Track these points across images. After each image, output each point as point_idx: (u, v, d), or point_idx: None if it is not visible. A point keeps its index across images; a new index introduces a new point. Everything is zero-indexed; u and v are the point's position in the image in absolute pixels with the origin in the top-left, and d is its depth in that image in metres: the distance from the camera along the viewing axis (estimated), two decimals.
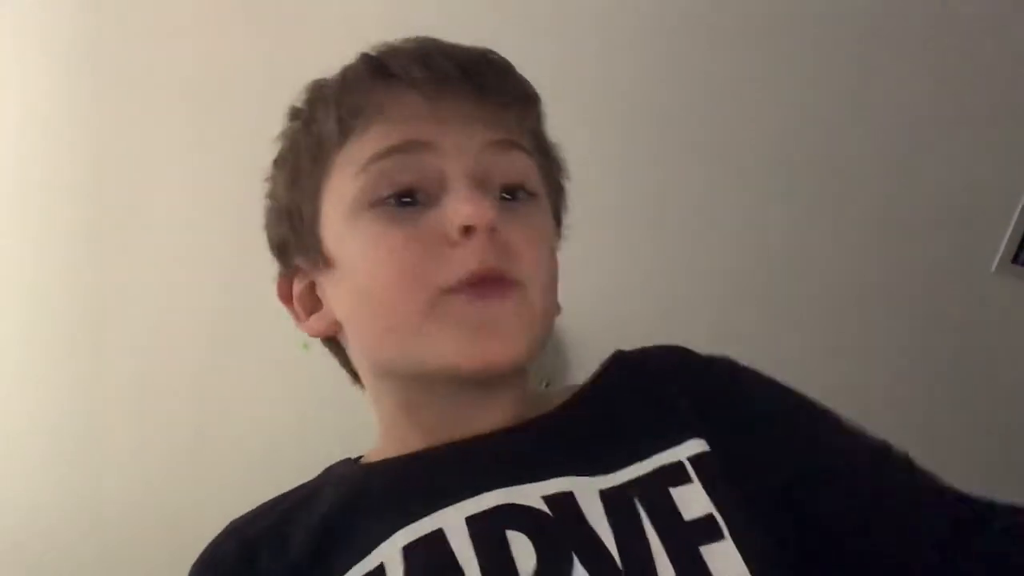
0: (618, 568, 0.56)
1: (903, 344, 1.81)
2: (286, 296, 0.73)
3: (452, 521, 0.59)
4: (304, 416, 1.68)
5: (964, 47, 1.63)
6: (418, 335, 0.63)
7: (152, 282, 1.76)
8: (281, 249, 0.72)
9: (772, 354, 2.08)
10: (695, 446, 0.62)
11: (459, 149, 0.64)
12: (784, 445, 0.65)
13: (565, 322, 1.92)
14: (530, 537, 0.57)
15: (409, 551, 0.58)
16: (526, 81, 0.70)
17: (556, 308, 0.70)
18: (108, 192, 1.80)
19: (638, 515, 0.59)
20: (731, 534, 0.58)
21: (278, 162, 0.72)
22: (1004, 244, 1.70)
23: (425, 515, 0.59)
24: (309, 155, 0.68)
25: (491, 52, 0.69)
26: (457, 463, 0.64)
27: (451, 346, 0.62)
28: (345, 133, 0.66)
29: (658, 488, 0.60)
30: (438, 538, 0.58)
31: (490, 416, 0.66)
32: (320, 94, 0.69)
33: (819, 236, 1.78)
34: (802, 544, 0.60)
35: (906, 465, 0.64)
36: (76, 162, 1.81)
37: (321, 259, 0.68)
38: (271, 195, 0.73)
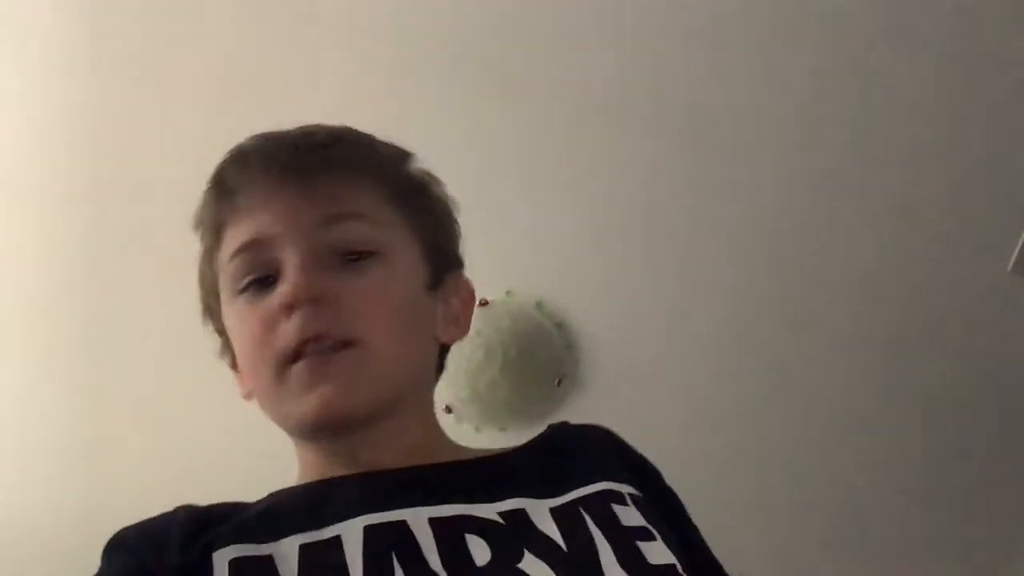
0: (564, 551, 0.66)
1: (918, 344, 1.80)
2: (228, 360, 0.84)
3: (415, 518, 0.66)
4: None
5: (980, 41, 1.62)
6: (275, 399, 0.75)
7: (156, 287, 1.75)
8: (206, 314, 0.85)
9: (781, 353, 2.09)
10: (631, 489, 0.74)
11: (291, 236, 0.75)
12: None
13: (576, 320, 1.93)
14: (485, 539, 0.65)
15: (370, 530, 0.65)
16: (363, 148, 0.82)
17: (420, 349, 0.79)
18: (111, 197, 1.81)
19: (583, 518, 0.69)
20: (661, 539, 0.70)
21: (199, 234, 0.85)
22: (1020, 244, 1.69)
23: (391, 509, 0.67)
24: (207, 243, 0.83)
25: (316, 132, 0.81)
26: (421, 480, 0.72)
27: (297, 403, 0.72)
28: (220, 232, 0.80)
29: (601, 502, 0.71)
30: (401, 525, 0.65)
31: (389, 450, 0.75)
32: (206, 194, 0.83)
33: (832, 237, 1.77)
34: None
35: None
36: (78, 166, 1.81)
37: (223, 329, 0.82)
38: (200, 259, 0.85)
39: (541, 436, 0.82)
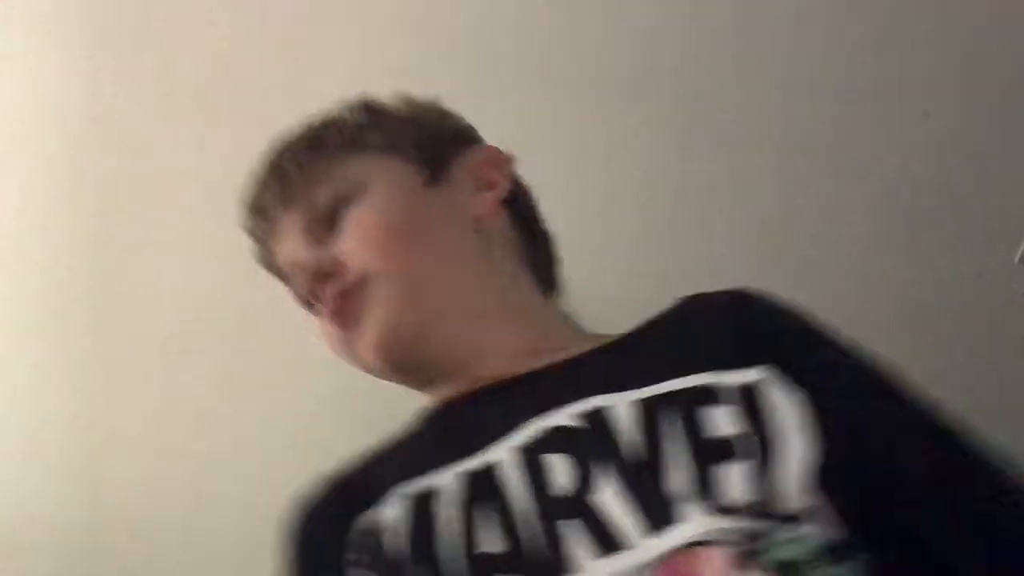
0: (635, 467, 0.62)
1: (925, 336, 1.80)
2: None
3: (499, 456, 0.66)
4: (316, 417, 1.67)
5: (987, 29, 1.62)
6: (354, 363, 0.82)
7: (158, 287, 1.74)
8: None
9: None
10: (740, 377, 0.66)
11: (296, 265, 0.82)
12: (838, 404, 0.68)
13: (581, 304, 1.91)
14: (565, 453, 0.64)
15: (459, 478, 0.66)
16: (329, 130, 0.86)
17: (445, 248, 0.81)
18: (113, 199, 1.79)
19: (658, 424, 0.64)
20: (740, 457, 0.61)
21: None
22: None
23: (477, 454, 0.67)
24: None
25: (297, 138, 0.86)
26: (501, 405, 0.72)
27: (355, 357, 0.81)
28: (270, 250, 0.88)
29: (687, 404, 0.64)
30: (487, 469, 0.66)
31: (494, 361, 0.77)
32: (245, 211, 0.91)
33: (838, 230, 1.76)
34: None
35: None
36: (79, 166, 1.79)
37: None
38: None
39: (667, 311, 0.80)
